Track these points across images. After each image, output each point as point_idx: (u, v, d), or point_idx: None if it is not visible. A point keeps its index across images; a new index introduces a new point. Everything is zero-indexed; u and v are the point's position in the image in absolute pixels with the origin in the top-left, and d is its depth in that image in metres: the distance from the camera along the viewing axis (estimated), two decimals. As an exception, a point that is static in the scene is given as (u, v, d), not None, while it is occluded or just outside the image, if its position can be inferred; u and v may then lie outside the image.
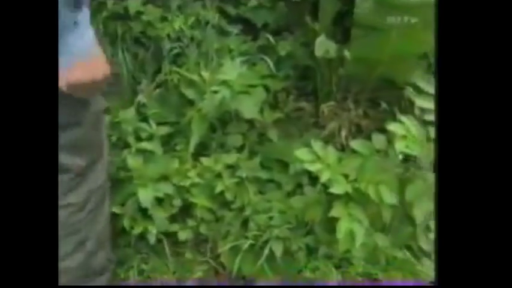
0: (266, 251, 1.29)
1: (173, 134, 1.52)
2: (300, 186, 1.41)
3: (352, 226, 1.23)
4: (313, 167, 1.23)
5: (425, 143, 1.19)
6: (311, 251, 1.36)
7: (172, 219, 1.42)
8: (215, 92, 1.39)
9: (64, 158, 0.97)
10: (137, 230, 1.36)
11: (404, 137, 1.17)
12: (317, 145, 1.25)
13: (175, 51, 1.61)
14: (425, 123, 1.20)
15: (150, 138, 1.46)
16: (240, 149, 1.46)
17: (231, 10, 1.79)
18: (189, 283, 1.38)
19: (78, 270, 1.09)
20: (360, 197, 1.26)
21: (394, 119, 1.28)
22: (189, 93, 1.54)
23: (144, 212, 1.36)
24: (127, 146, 1.43)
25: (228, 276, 1.37)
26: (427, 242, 1.41)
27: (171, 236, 1.42)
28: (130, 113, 1.48)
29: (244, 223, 1.39)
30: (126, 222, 1.35)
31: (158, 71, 1.67)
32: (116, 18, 1.65)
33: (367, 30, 1.21)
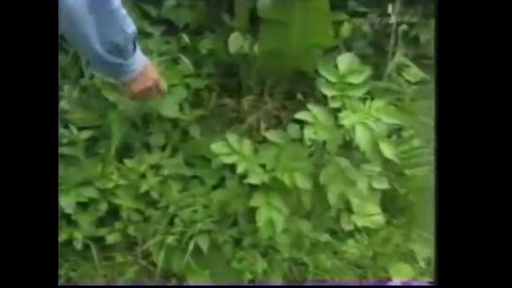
0: (191, 246, 1.31)
1: (97, 137, 1.52)
2: (223, 179, 1.44)
3: (271, 214, 1.27)
4: (229, 159, 1.26)
5: (334, 129, 1.25)
6: (237, 242, 1.39)
7: (100, 223, 1.42)
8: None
9: None
10: (62, 237, 1.35)
11: (312, 124, 1.22)
12: (232, 138, 1.29)
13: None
14: (333, 110, 1.26)
15: (72, 143, 1.45)
16: (163, 148, 1.48)
17: (153, 11, 1.80)
18: (120, 284, 1.39)
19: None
20: (278, 186, 1.30)
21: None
22: (111, 96, 1.54)
23: (68, 218, 1.36)
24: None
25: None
26: (348, 222, 1.48)
27: (99, 240, 1.42)
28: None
29: (171, 220, 1.41)
30: (49, 230, 1.34)
31: (81, 75, 1.66)
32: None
33: (272, 24, 1.26)
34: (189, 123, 1.52)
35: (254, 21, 1.58)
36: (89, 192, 1.38)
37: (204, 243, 1.34)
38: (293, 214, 1.38)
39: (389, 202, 1.58)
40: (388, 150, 1.22)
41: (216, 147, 1.27)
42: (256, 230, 1.35)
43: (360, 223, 1.50)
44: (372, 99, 1.28)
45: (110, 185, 1.39)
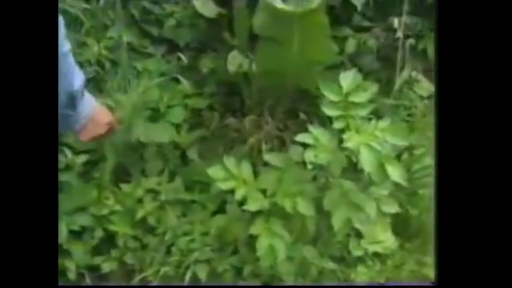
0: (187, 277, 1.24)
1: (93, 162, 1.47)
2: (224, 203, 1.38)
3: (272, 241, 1.20)
4: (226, 185, 1.20)
5: (337, 151, 1.17)
6: (238, 271, 1.32)
7: (96, 251, 1.37)
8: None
9: None
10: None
11: (313, 146, 1.15)
12: (230, 162, 1.22)
13: (91, 75, 1.57)
14: (337, 131, 1.18)
15: (67, 168, 1.40)
16: (160, 172, 1.42)
17: (154, 31, 1.77)
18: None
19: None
20: (279, 211, 1.23)
21: (312, 129, 1.26)
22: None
23: (59, 248, 1.30)
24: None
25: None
26: (357, 248, 1.40)
27: (95, 269, 1.36)
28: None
29: (168, 249, 1.34)
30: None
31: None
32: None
33: (268, 41, 1.20)
34: (189, 146, 1.46)
35: (255, 39, 1.54)
36: (82, 220, 1.32)
37: (202, 273, 1.27)
38: (297, 240, 1.31)
39: (401, 225, 1.49)
40: (395, 173, 1.13)
41: (213, 171, 1.21)
42: (257, 258, 1.27)
43: (370, 248, 1.41)
44: (379, 117, 1.21)
45: (106, 211, 1.34)
